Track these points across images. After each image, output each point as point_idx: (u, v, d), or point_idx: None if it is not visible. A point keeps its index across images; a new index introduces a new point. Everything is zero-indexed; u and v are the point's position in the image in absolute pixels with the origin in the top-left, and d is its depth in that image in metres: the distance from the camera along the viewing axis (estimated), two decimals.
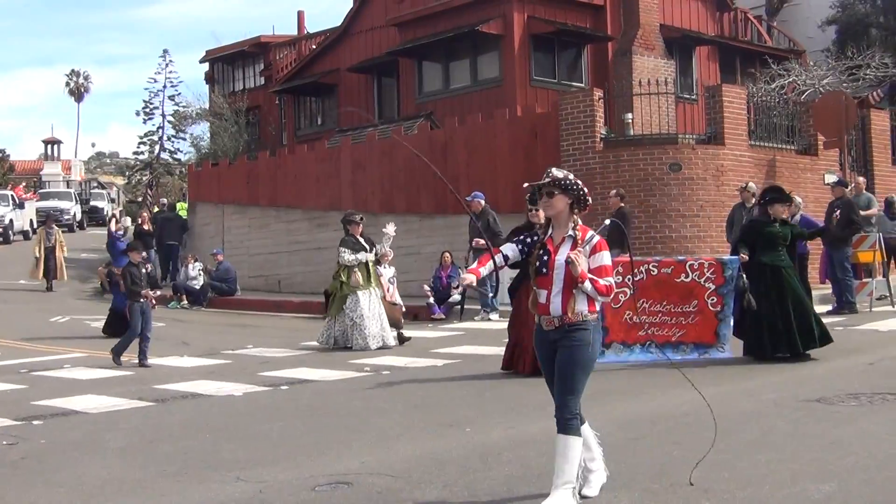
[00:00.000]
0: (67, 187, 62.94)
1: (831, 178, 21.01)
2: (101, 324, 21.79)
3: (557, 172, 6.65)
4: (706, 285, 12.92)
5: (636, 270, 12.80)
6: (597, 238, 6.59)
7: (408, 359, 15.11)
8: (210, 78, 45.51)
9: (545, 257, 6.62)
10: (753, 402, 10.48)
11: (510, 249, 6.80)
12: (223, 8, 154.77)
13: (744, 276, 12.93)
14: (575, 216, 6.63)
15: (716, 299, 12.92)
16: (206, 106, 43.88)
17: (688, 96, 31.04)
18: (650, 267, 13.15)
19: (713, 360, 12.93)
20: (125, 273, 16.02)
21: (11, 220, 29.08)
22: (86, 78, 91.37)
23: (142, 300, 15.61)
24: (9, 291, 28.34)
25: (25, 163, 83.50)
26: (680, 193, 21.79)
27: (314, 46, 38.74)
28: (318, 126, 36.94)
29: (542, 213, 12.10)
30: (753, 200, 19.46)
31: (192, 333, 19.55)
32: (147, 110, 56.19)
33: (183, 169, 45.19)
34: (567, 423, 6.49)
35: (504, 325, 14.02)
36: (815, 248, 20.10)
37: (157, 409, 11.85)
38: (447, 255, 21.50)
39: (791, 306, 12.54)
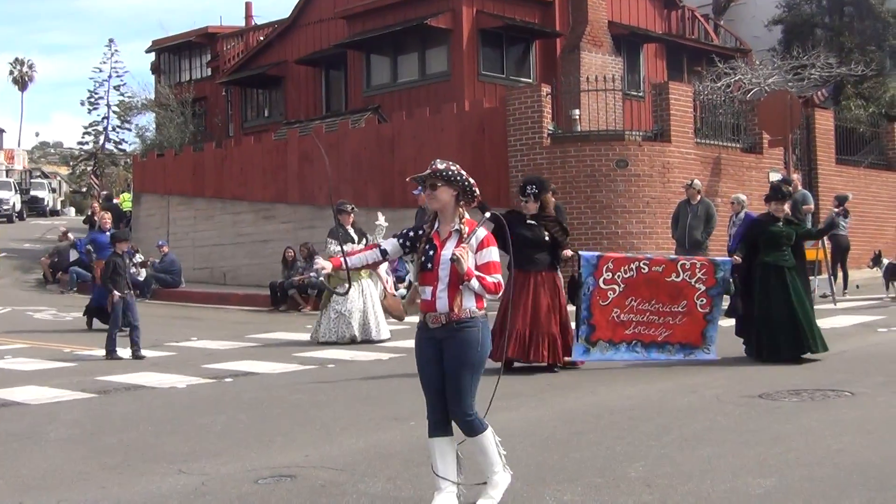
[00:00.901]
0: (7, 177, 62.07)
1: (776, 177, 21.20)
2: (43, 315, 21.67)
3: (440, 164, 6.35)
4: (696, 286, 12.58)
5: (626, 267, 12.60)
6: (484, 233, 6.32)
7: (353, 352, 15.10)
8: (156, 68, 45.18)
9: (430, 252, 6.32)
10: (696, 398, 10.57)
11: (390, 244, 6.57)
12: None
13: (733, 277, 12.92)
14: (461, 209, 6.38)
15: (705, 300, 12.60)
16: (152, 96, 43.55)
17: (635, 93, 31.21)
18: (641, 265, 12.74)
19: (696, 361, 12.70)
20: (109, 262, 15.82)
21: None
22: (30, 66, 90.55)
23: (126, 293, 15.44)
24: None
25: None
26: (626, 190, 21.93)
27: (262, 38, 38.59)
28: (265, 118, 36.83)
29: (532, 205, 12.17)
30: (699, 197, 19.67)
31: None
32: (92, 100, 55.78)
33: (128, 160, 44.85)
34: (468, 424, 6.28)
35: None
36: None
37: (100, 401, 11.75)
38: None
39: (796, 308, 12.24)
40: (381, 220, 17.17)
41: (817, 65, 31.17)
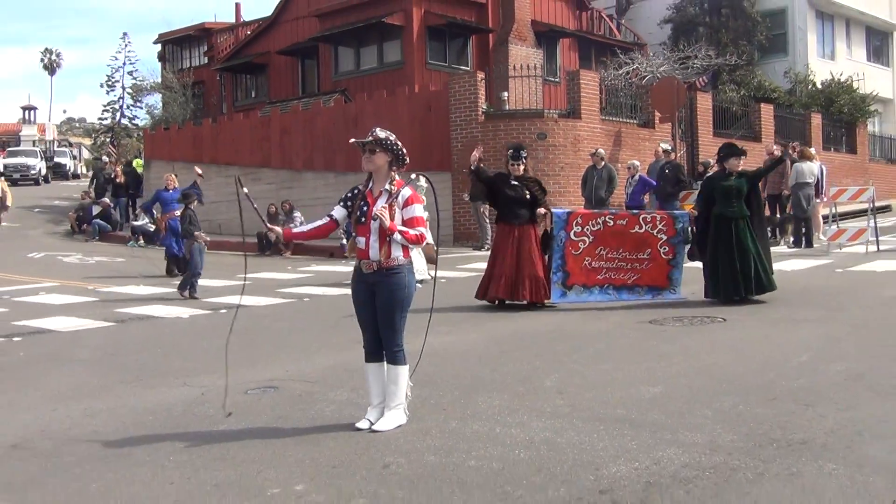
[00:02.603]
0: (34, 146, 60.92)
1: (665, 146, 21.33)
2: (73, 259, 21.42)
3: (380, 133, 6.17)
4: (658, 236, 11.93)
5: (594, 221, 12.10)
6: (409, 192, 6.22)
7: (324, 289, 15.05)
8: (162, 57, 44.55)
9: (364, 208, 6.19)
10: (602, 324, 10.65)
11: (337, 211, 6.37)
12: None
13: (691, 228, 12.10)
14: (393, 172, 6.23)
15: (668, 248, 11.93)
16: (159, 80, 42.86)
17: (552, 79, 31.18)
18: (606, 219, 12.22)
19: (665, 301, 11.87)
20: (185, 215, 15.38)
21: None
22: (58, 55, 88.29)
23: (198, 238, 14.99)
24: None
25: (5, 125, 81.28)
26: (545, 157, 21.94)
27: (249, 32, 38.20)
28: (252, 98, 36.45)
29: (520, 167, 11.98)
30: (603, 163, 19.75)
31: (147, 267, 19.21)
32: (109, 83, 54.38)
33: (140, 132, 44.17)
34: (394, 355, 6.25)
35: None
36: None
37: (117, 329, 11.70)
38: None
39: (737, 255, 11.37)
40: (422, 181, 16.65)
41: (699, 56, 31.30)
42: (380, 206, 6.12)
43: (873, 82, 37.96)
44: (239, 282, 16.42)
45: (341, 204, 6.38)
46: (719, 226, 11.55)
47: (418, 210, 6.21)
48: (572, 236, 12.02)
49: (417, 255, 15.88)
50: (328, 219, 6.42)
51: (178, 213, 17.17)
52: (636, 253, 11.94)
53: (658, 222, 12.01)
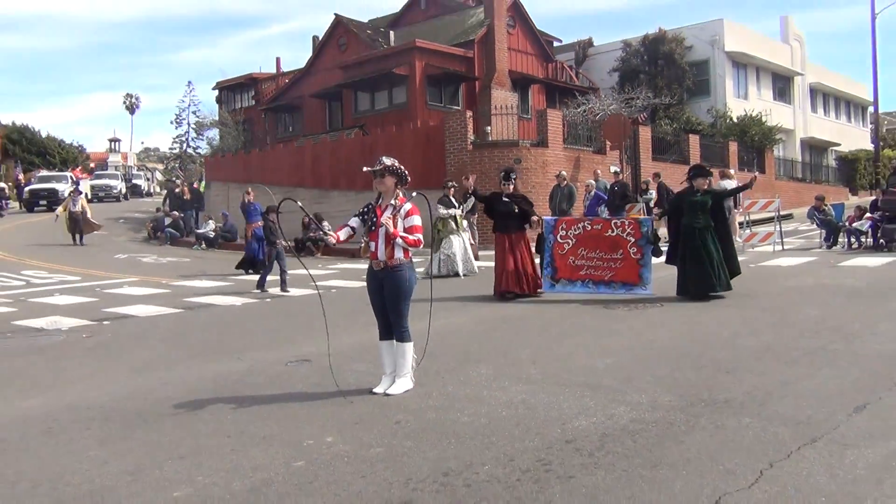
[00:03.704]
0: (115, 170, 60.60)
1: (614, 169, 21.33)
2: (150, 259, 21.36)
3: (387, 160, 6.26)
4: (627, 238, 11.48)
5: (575, 227, 11.89)
6: (410, 206, 6.24)
7: (348, 281, 15.02)
8: (219, 100, 44.42)
9: (374, 219, 6.24)
10: (566, 308, 10.64)
11: (355, 221, 6.33)
12: (228, 54, 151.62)
13: (653, 230, 11.57)
14: (398, 190, 6.26)
15: (636, 249, 11.41)
16: (217, 118, 42.82)
17: (526, 116, 31.14)
18: (585, 224, 12.00)
19: (636, 295, 11.22)
20: (267, 226, 14.82)
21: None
22: (136, 98, 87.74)
23: (278, 245, 14.40)
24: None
25: (97, 154, 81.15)
26: (520, 178, 21.54)
27: (287, 80, 38.09)
28: (289, 132, 36.33)
29: (510, 186, 11.83)
30: (565, 183, 19.74)
31: (208, 266, 19.20)
32: (178, 120, 54.21)
33: (202, 159, 44.11)
34: (402, 333, 6.27)
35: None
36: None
37: (186, 314, 11.67)
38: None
39: (702, 259, 10.71)
40: (470, 204, 16.40)
41: (640, 97, 31.26)
42: (385, 217, 6.18)
43: (778, 116, 38.00)
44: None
45: (357, 216, 6.40)
46: (686, 234, 11.03)
47: (416, 220, 6.25)
48: (559, 239, 11.93)
49: (464, 253, 15.48)
50: (347, 227, 6.40)
51: (260, 223, 17.05)
52: (611, 253, 11.59)
53: (627, 227, 11.65)
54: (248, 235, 16.60)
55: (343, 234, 6.32)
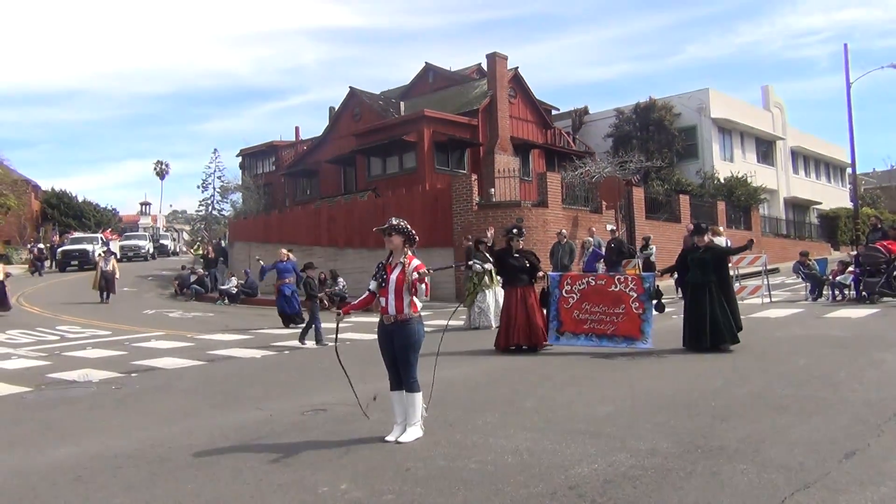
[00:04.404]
0: (144, 231, 61.07)
1: (610, 227, 21.37)
2: (176, 314, 21.36)
3: (394, 220, 6.26)
4: (630, 293, 11.09)
5: (580, 282, 11.60)
6: (417, 262, 6.18)
7: (361, 334, 14.93)
8: (242, 165, 44.96)
9: (384, 275, 6.22)
10: (564, 359, 10.53)
11: (373, 285, 6.32)
12: (250, 124, 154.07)
13: (657, 285, 11.15)
14: (406, 249, 6.23)
15: (638, 304, 11.01)
16: (240, 182, 43.25)
17: (527, 178, 31.39)
18: (589, 279, 11.71)
19: (636, 349, 10.80)
20: (307, 282, 14.70)
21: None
22: (166, 165, 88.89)
23: (317, 299, 14.33)
24: (113, 297, 27.52)
25: (129, 216, 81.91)
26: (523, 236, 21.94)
27: (305, 148, 38.62)
28: (307, 195, 36.66)
29: (520, 243, 11.76)
30: (565, 240, 19.76)
31: (230, 320, 19.19)
32: (204, 185, 54.82)
33: (226, 221, 44.42)
34: (411, 385, 6.19)
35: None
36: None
37: (208, 366, 11.61)
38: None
39: (702, 314, 10.44)
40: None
41: (633, 161, 31.55)
42: (396, 273, 6.15)
43: (763, 178, 38.20)
44: (297, 330, 16.37)
45: (374, 278, 6.36)
46: (689, 290, 10.84)
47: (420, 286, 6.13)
48: (564, 293, 11.64)
49: (497, 306, 14.90)
50: (367, 292, 6.41)
51: (288, 280, 16.94)
52: (613, 308, 11.19)
53: (630, 282, 11.27)
54: (275, 292, 16.44)
55: (356, 301, 6.50)
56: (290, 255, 18.40)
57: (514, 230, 12.06)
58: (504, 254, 12.05)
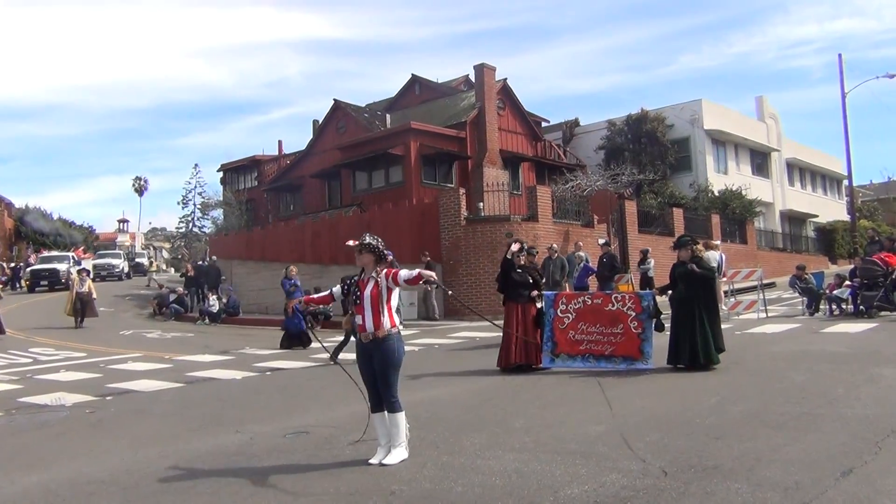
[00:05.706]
0: (118, 250, 60.53)
1: (602, 241, 21.42)
2: (154, 335, 21.21)
3: (368, 239, 6.28)
4: (628, 312, 10.91)
5: (575, 301, 11.40)
6: (385, 269, 6.18)
7: (344, 355, 14.84)
8: (223, 181, 44.92)
9: (358, 293, 6.21)
10: (554, 378, 10.52)
11: (336, 290, 6.61)
12: (232, 138, 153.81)
13: (654, 304, 10.93)
14: (377, 267, 6.21)
15: (637, 323, 10.84)
16: (221, 198, 43.28)
17: (516, 192, 31.49)
18: (585, 299, 11.49)
19: (637, 370, 10.56)
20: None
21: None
22: (145, 181, 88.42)
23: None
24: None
25: (106, 234, 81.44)
26: None
27: (288, 162, 38.65)
28: (290, 211, 36.64)
29: (527, 258, 11.70)
30: (556, 255, 19.78)
31: (210, 340, 19.08)
32: (184, 201, 55.05)
33: (206, 237, 44.37)
34: (392, 405, 6.16)
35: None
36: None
37: (187, 388, 11.53)
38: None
39: (684, 329, 10.32)
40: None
41: (626, 173, 31.67)
42: (369, 289, 6.17)
43: (757, 190, 38.44)
44: (279, 350, 16.33)
45: (340, 285, 6.60)
46: (677, 305, 10.61)
47: (401, 272, 6.15)
48: (559, 313, 11.44)
49: None
50: (328, 292, 6.72)
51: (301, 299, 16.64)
52: (611, 328, 10.99)
53: (627, 300, 11.06)
54: (288, 312, 16.02)
55: (316, 297, 6.90)
56: (295, 270, 18.48)
57: (523, 245, 11.99)
58: (508, 267, 12.02)
